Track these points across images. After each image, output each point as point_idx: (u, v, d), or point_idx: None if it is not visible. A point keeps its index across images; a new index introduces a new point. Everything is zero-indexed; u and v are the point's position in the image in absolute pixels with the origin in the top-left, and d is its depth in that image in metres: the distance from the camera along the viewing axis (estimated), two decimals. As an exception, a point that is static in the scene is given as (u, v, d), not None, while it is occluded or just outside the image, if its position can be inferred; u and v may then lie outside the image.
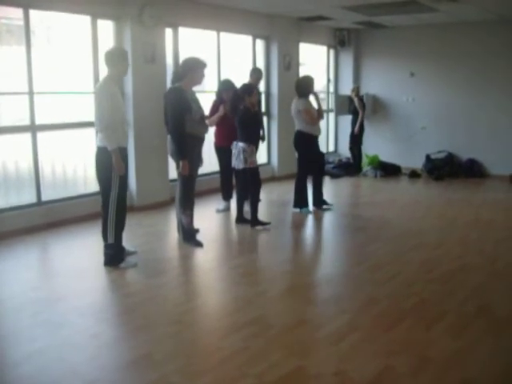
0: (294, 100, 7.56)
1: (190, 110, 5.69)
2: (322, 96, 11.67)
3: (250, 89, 6.78)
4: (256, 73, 8.04)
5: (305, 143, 7.50)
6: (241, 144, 6.63)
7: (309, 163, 7.55)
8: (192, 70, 5.72)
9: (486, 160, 10.76)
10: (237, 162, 6.71)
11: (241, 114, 6.67)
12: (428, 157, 10.98)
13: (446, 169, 10.65)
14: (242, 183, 6.94)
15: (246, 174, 6.77)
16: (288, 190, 8.96)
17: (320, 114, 7.56)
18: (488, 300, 4.49)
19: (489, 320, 4.08)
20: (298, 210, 7.62)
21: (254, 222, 6.78)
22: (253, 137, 6.75)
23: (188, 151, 5.70)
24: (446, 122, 11.09)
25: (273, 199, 8.22)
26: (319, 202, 7.79)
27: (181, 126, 5.63)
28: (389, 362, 3.42)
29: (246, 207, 7.01)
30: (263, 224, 6.77)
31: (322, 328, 3.94)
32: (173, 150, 5.84)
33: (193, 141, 5.78)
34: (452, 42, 10.82)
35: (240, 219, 6.96)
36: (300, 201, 7.64)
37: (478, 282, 4.92)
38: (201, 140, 5.96)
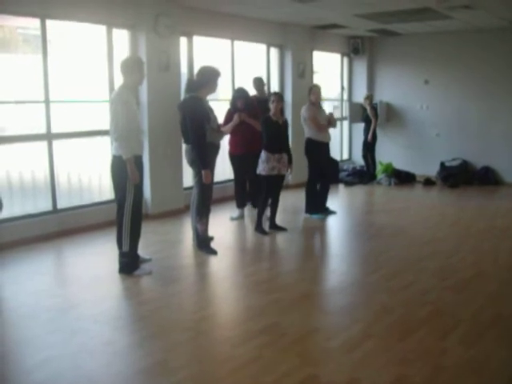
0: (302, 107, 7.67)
1: (208, 119, 5.73)
2: (335, 104, 11.71)
3: (271, 96, 6.85)
4: (256, 82, 8.10)
5: (313, 150, 7.54)
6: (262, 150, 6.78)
7: (319, 169, 7.57)
8: (212, 80, 5.78)
9: (501, 167, 10.70)
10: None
11: (261, 120, 6.82)
12: (442, 164, 10.93)
13: (460, 176, 10.59)
14: (264, 189, 6.93)
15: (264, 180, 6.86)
16: (301, 197, 8.96)
17: (331, 122, 7.58)
18: (503, 308, 4.46)
19: (503, 328, 4.06)
20: (309, 215, 7.66)
21: (257, 226, 6.90)
22: (268, 143, 6.73)
23: (209, 160, 5.77)
24: (461, 129, 11.04)
25: (286, 207, 8.21)
26: (322, 207, 7.82)
27: (203, 135, 5.67)
28: (402, 370, 3.40)
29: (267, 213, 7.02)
30: (263, 232, 6.84)
31: (336, 336, 3.93)
32: (192, 160, 5.88)
33: (211, 149, 5.83)
34: (466, 49, 10.80)
35: (272, 226, 7.03)
36: (311, 207, 7.66)
37: (492, 290, 4.89)
38: (218, 148, 6.01)
